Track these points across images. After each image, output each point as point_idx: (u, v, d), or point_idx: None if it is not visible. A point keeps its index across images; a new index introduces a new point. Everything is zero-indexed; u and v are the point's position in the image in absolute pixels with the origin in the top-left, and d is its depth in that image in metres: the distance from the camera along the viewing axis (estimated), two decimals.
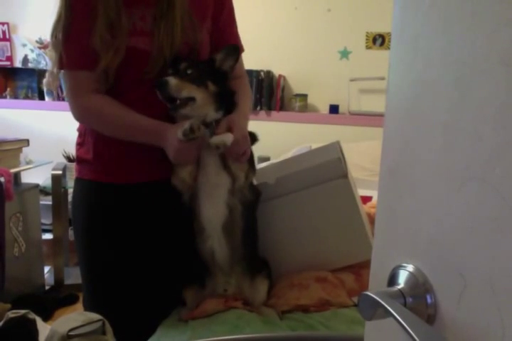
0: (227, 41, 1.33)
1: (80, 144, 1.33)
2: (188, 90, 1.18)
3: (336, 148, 1.36)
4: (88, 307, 1.36)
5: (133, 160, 1.26)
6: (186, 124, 1.11)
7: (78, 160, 1.34)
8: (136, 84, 1.21)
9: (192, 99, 1.19)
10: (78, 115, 1.24)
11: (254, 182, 1.35)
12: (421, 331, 0.39)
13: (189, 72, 1.20)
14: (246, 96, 1.35)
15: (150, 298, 1.31)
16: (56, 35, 1.19)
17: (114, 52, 1.16)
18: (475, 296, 0.40)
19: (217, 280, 1.29)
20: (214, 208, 1.23)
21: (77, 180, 1.35)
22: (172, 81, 1.16)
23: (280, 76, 3.51)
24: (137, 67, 1.19)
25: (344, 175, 1.32)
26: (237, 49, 1.28)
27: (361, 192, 1.49)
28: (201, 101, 1.20)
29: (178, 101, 1.18)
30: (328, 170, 1.32)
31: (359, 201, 1.39)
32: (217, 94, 1.22)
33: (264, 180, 1.35)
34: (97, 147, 1.27)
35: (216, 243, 1.25)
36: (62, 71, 1.23)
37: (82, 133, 1.32)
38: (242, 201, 1.25)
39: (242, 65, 1.40)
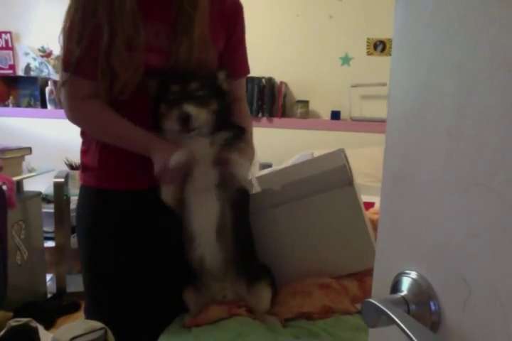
0: (234, 61, 1.33)
1: (84, 152, 1.33)
2: (205, 118, 1.18)
3: (340, 155, 1.36)
4: (90, 315, 1.35)
5: (137, 166, 1.25)
6: (181, 156, 1.12)
7: (83, 167, 1.34)
8: (139, 96, 1.20)
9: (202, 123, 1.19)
10: (71, 116, 1.24)
11: (258, 188, 1.34)
12: (424, 338, 0.39)
13: (200, 93, 1.18)
14: (248, 121, 1.38)
15: (152, 305, 1.30)
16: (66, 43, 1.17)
17: (133, 71, 1.16)
18: (480, 303, 0.39)
19: (213, 288, 1.28)
20: (205, 217, 1.21)
21: (82, 188, 1.36)
22: (194, 112, 1.15)
23: (282, 83, 3.52)
24: (142, 81, 1.18)
25: (350, 182, 1.32)
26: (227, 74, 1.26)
27: (363, 198, 1.48)
28: (207, 123, 1.19)
29: (195, 130, 1.17)
30: (333, 177, 1.32)
31: (363, 208, 1.39)
32: (217, 113, 1.21)
33: (269, 186, 1.35)
34: (101, 155, 1.28)
35: (207, 251, 1.23)
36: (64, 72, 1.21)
37: (87, 141, 1.33)
38: (232, 204, 1.23)
39: (243, 87, 1.40)
